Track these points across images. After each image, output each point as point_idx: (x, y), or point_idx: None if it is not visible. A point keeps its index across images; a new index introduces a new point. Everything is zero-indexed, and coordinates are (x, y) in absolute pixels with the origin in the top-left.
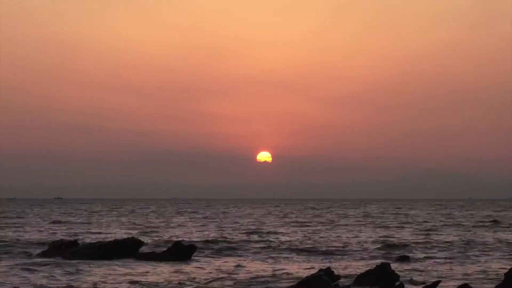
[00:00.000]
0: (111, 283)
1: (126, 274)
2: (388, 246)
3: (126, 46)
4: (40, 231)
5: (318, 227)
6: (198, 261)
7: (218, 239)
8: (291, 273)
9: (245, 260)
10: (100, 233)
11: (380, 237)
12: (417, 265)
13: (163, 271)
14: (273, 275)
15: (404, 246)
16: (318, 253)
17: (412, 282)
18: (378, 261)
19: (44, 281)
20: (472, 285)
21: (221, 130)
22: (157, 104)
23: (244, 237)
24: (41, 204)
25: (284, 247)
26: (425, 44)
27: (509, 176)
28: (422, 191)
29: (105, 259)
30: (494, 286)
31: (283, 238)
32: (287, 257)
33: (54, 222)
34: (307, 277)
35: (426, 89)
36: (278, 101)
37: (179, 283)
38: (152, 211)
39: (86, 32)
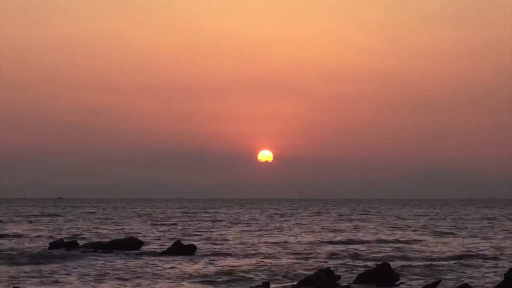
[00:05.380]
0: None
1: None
2: None
3: (129, 46)
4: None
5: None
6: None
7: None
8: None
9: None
10: None
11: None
12: (417, 265)
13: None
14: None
15: None
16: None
17: (412, 282)
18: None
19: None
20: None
21: (222, 130)
22: (158, 104)
23: None
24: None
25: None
26: (424, 44)
27: (509, 176)
28: (422, 191)
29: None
30: (494, 286)
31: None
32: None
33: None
34: (307, 277)
35: (426, 89)
36: (280, 101)
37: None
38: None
39: (87, 33)
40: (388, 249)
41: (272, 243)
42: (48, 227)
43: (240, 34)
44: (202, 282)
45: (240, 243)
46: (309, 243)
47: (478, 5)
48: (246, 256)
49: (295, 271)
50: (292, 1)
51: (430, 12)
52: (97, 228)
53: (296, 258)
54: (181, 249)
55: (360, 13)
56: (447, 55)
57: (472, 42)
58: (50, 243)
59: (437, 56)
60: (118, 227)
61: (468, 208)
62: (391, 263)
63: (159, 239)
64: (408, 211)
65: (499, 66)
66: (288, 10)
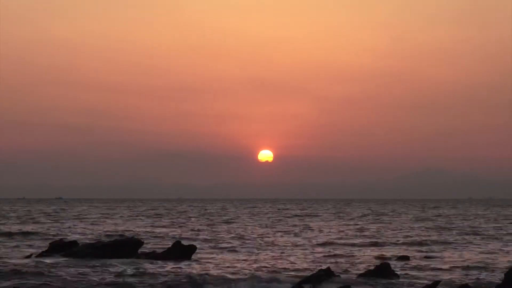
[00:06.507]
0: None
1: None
2: None
3: (130, 46)
4: None
5: None
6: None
7: None
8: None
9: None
10: None
11: None
12: (417, 265)
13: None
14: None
15: None
16: None
17: (412, 282)
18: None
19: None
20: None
21: (223, 130)
22: (159, 104)
23: None
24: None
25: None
26: (427, 44)
27: (509, 176)
28: (422, 191)
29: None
30: (494, 286)
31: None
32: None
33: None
34: (306, 277)
35: (428, 89)
36: (280, 101)
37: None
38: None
39: (87, 33)
40: None
41: (277, 243)
42: (48, 226)
43: (243, 35)
44: (191, 285)
45: (242, 243)
46: (315, 244)
47: (480, 5)
48: (245, 256)
49: (295, 271)
50: (295, 2)
51: (433, 13)
52: (97, 228)
53: (299, 258)
54: (180, 250)
55: (363, 13)
56: (449, 55)
57: (474, 42)
58: (50, 243)
59: (440, 56)
60: (122, 227)
61: None
62: None
63: (161, 238)
64: None
65: (500, 66)
66: (292, 10)
